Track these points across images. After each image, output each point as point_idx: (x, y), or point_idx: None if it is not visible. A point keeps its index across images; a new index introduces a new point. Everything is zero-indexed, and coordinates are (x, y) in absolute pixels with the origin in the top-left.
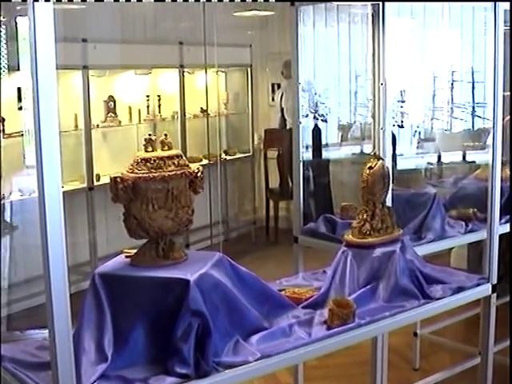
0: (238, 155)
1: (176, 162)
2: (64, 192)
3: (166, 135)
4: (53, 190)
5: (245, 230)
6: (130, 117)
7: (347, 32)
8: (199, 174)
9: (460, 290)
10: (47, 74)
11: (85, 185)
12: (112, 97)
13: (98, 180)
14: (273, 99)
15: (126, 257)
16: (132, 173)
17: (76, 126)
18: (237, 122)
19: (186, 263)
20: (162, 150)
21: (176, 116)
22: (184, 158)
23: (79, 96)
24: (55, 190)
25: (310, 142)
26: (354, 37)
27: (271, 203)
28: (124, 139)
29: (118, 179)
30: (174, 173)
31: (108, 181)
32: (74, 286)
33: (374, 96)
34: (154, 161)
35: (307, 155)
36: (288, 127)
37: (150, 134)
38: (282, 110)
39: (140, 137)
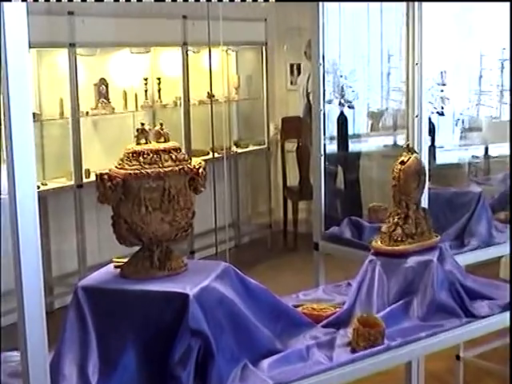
0: (251, 148)
1: (174, 156)
2: (48, 190)
3: (161, 124)
4: (26, 189)
5: (258, 235)
6: (125, 103)
7: (378, 5)
8: (201, 170)
9: (510, 306)
10: (18, 52)
11: (72, 182)
12: (104, 80)
13: (88, 176)
14: (291, 82)
15: (116, 267)
16: (122, 169)
17: (62, 114)
18: (249, 110)
19: (185, 275)
20: (158, 141)
21: (179, 102)
22: (183, 151)
23: (65, 78)
24: (29, 190)
25: (335, 133)
26: (386, 10)
27: (289, 204)
28: (118, 129)
29: (106, 176)
30: (171, 169)
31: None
32: (60, 300)
33: (408, 78)
34: (148, 154)
35: (331, 148)
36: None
37: (142, 124)
38: (307, 94)
39: (137, 126)
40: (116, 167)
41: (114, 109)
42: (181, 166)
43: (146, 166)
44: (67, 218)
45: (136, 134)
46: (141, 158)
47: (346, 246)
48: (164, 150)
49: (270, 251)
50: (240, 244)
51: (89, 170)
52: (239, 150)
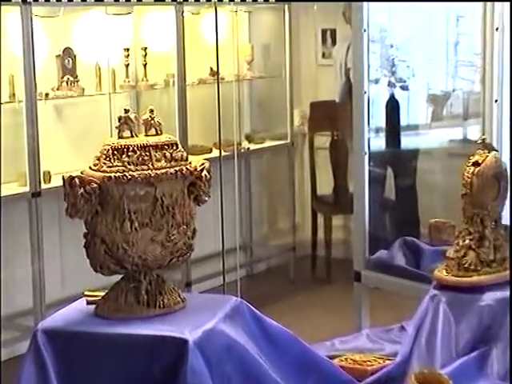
0: (268, 143)
1: (168, 154)
2: None
3: (151, 111)
4: None
5: (278, 261)
6: (99, 82)
7: None
8: (204, 173)
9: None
10: None
11: (27, 188)
12: (70, 50)
13: (49, 181)
14: (324, 55)
15: (89, 303)
16: (98, 171)
17: (13, 96)
18: (267, 92)
19: (182, 314)
20: (147, 134)
21: (171, 82)
22: (181, 147)
23: (17, 48)
24: None
25: (383, 123)
26: None
27: (320, 219)
28: (89, 117)
29: (77, 181)
30: (164, 171)
31: (62, 182)
32: (9, 350)
33: (486, 49)
34: (134, 152)
35: (378, 143)
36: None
37: (126, 110)
38: (346, 71)
39: (115, 113)
40: (91, 168)
41: (83, 90)
42: (178, 168)
43: (131, 167)
44: (19, 237)
45: (118, 123)
46: (124, 156)
47: (398, 276)
48: (155, 146)
49: (294, 283)
50: (253, 273)
51: (49, 172)
52: (253, 147)
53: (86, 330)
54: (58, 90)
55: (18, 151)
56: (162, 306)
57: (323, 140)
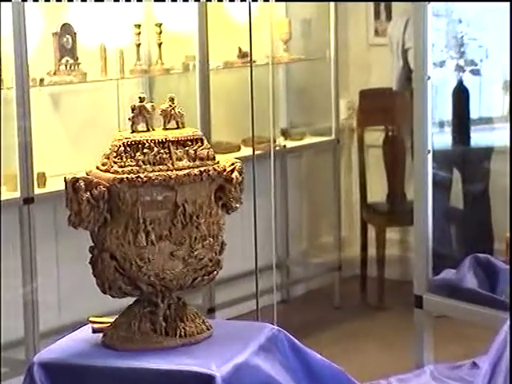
0: (309, 140)
1: (192, 152)
2: None
3: (172, 100)
4: None
5: (320, 283)
6: (105, 65)
7: None
8: (235, 174)
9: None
10: None
11: (17, 193)
12: (69, 27)
13: (43, 185)
14: (377, 32)
15: (95, 330)
16: (108, 171)
17: (0, 81)
18: (307, 77)
19: (208, 344)
20: (166, 128)
21: (191, 65)
22: (207, 143)
23: (6, 24)
24: None
25: (449, 115)
26: None
27: (371, 232)
28: (92, 107)
29: (81, 183)
30: (187, 172)
31: (61, 186)
32: None
33: None
34: (151, 148)
35: (443, 140)
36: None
37: (142, 98)
38: (404, 52)
39: (124, 103)
40: (98, 169)
41: (85, 74)
42: (203, 168)
43: (147, 167)
44: (7, 252)
45: (131, 114)
46: (139, 153)
47: (468, 301)
48: (176, 142)
49: (340, 309)
50: (290, 297)
51: (44, 174)
52: (290, 144)
53: (91, 364)
54: (54, 74)
55: (7, 148)
56: (183, 334)
57: (375, 136)
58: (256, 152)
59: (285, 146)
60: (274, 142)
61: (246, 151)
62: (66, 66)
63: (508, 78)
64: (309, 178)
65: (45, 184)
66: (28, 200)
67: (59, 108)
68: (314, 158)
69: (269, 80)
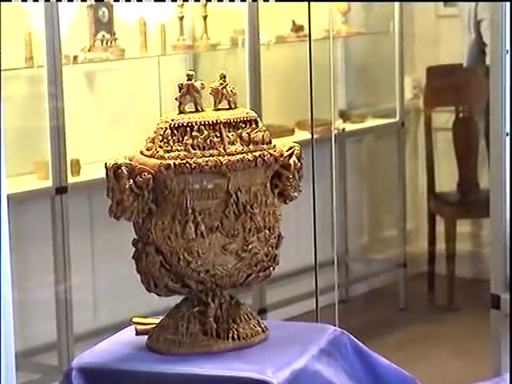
0: (371, 122)
1: (246, 135)
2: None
3: (223, 77)
4: None
5: (383, 281)
6: (145, 41)
7: None
8: (293, 159)
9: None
10: None
11: (49, 182)
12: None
13: (77, 173)
14: (445, 1)
15: (139, 333)
16: (153, 157)
17: (30, 60)
18: (369, 53)
19: (264, 348)
20: (217, 108)
21: (240, 40)
22: (262, 125)
23: None
24: None
25: None
26: None
27: (440, 224)
28: (131, 86)
29: (124, 170)
30: (240, 157)
31: (96, 175)
32: None
33: None
34: (200, 131)
35: None
36: (488, 63)
37: (190, 76)
38: (477, 24)
39: (166, 82)
40: (142, 154)
41: (123, 51)
42: (258, 153)
43: (197, 152)
44: (38, 247)
45: (179, 94)
46: (187, 137)
47: None
48: (228, 124)
49: (405, 310)
50: (349, 297)
51: (78, 161)
52: (349, 127)
53: (135, 369)
54: (89, 51)
55: (38, 133)
56: (236, 337)
57: (444, 118)
58: (310, 136)
59: (344, 129)
60: (333, 124)
61: (301, 135)
62: (101, 41)
63: None
64: (370, 165)
65: (79, 172)
66: (61, 189)
67: (94, 88)
68: (376, 142)
69: (327, 56)
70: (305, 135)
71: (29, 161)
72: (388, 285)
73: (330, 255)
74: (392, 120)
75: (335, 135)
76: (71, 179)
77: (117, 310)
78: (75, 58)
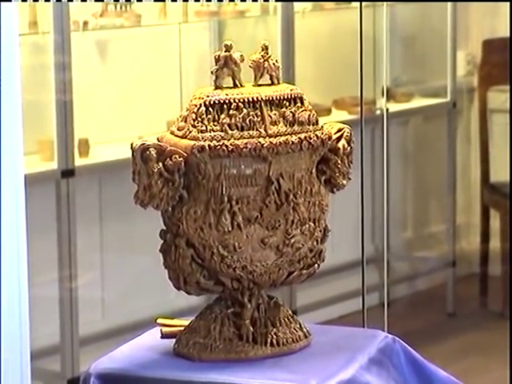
0: (418, 102)
1: (289, 115)
2: None
3: (265, 48)
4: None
5: (430, 282)
6: (164, 6)
7: None
8: (342, 143)
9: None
10: None
11: (54, 164)
12: None
13: (86, 154)
14: None
15: (165, 335)
16: (185, 137)
17: (34, 25)
18: (416, 23)
19: (306, 355)
20: (257, 84)
21: (271, 8)
22: (308, 103)
23: None
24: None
25: None
26: None
27: (495, 219)
28: (148, 57)
29: (153, 152)
30: (284, 139)
31: (110, 156)
32: None
33: None
34: (239, 109)
35: None
36: None
37: (228, 46)
38: None
39: (187, 52)
40: (173, 134)
41: (139, 17)
42: (303, 135)
43: (235, 133)
44: (42, 236)
45: (215, 67)
46: (224, 116)
47: None
48: (270, 101)
49: (455, 316)
50: (391, 299)
51: (87, 140)
52: (394, 107)
53: (161, 376)
54: (101, 16)
55: (42, 108)
56: (275, 342)
57: (502, 98)
58: (351, 117)
59: (387, 109)
60: (375, 104)
61: (338, 115)
62: (115, 6)
63: None
64: (416, 151)
65: (88, 153)
66: (67, 172)
67: (107, 58)
68: (424, 124)
69: (370, 26)
70: (343, 115)
71: (31, 139)
72: (435, 286)
73: (368, 252)
74: (442, 100)
75: (377, 116)
76: (79, 161)
77: (129, 310)
78: (85, 23)
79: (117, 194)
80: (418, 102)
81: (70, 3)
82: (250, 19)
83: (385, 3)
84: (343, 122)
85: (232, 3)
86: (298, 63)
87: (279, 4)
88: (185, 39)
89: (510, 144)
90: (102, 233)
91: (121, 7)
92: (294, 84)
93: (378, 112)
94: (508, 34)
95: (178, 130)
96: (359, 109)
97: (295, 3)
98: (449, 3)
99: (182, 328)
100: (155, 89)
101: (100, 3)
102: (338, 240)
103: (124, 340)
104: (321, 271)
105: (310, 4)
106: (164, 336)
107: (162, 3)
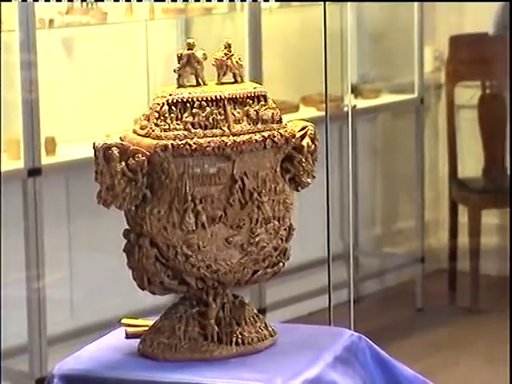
0: (385, 98)
1: (253, 113)
2: None
3: (228, 46)
4: None
5: (398, 278)
6: (130, 4)
7: None
8: (307, 141)
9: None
10: None
11: (20, 163)
12: None
13: (53, 152)
14: None
15: (130, 335)
16: (148, 136)
17: None
18: (384, 19)
19: (272, 354)
20: (220, 82)
21: (238, 4)
22: (272, 102)
23: None
24: None
25: None
26: None
27: (463, 215)
28: (115, 55)
29: (115, 151)
30: (247, 137)
31: (77, 154)
32: None
33: None
34: (202, 108)
35: None
36: None
37: (191, 44)
38: None
39: (154, 50)
40: (135, 133)
41: (106, 14)
42: (267, 133)
43: (198, 131)
44: (8, 236)
45: (178, 65)
46: (187, 114)
47: None
48: (234, 100)
49: (423, 311)
50: (359, 296)
51: (54, 139)
52: (361, 104)
53: (126, 377)
54: (67, 14)
55: (8, 106)
56: (240, 342)
57: (469, 94)
58: (319, 113)
59: (355, 105)
60: (342, 100)
61: (306, 112)
62: (81, 3)
63: None
64: (384, 147)
65: (54, 151)
66: (34, 171)
67: (73, 56)
68: (392, 121)
69: (338, 22)
70: (311, 112)
71: None
72: (404, 282)
73: (337, 249)
74: (410, 96)
75: (346, 113)
76: (46, 159)
77: (97, 309)
78: (51, 21)
79: (84, 192)
80: (385, 99)
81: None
82: (218, 16)
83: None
84: (311, 119)
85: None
86: (266, 60)
87: (246, 1)
88: (152, 37)
89: (510, 141)
90: (70, 232)
91: (87, 5)
92: (261, 81)
93: (346, 109)
94: (474, 30)
95: (141, 128)
96: (331, 106)
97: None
98: (415, 4)
99: (147, 328)
100: (122, 86)
101: (66, 1)
102: (309, 237)
103: (93, 339)
104: (291, 268)
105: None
106: (128, 336)
107: (124, 5)
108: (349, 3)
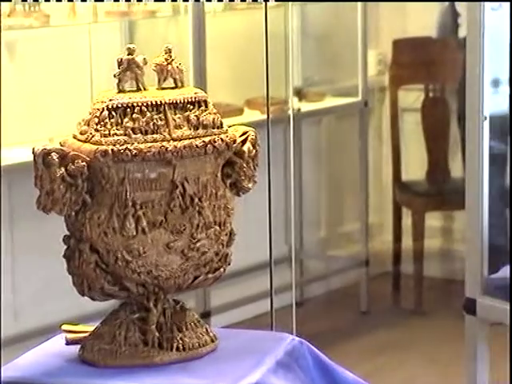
0: (330, 102)
1: (194, 118)
2: None
3: (168, 51)
4: None
5: (343, 281)
6: (73, 6)
7: None
8: (248, 146)
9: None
10: None
11: None
12: None
13: None
14: None
15: (70, 342)
16: (88, 141)
17: None
18: (328, 22)
19: (213, 360)
20: (160, 87)
21: (183, 7)
22: (212, 107)
23: None
24: None
25: (506, 71)
26: None
27: (407, 217)
28: (57, 58)
29: (55, 156)
30: (188, 143)
31: (19, 158)
32: None
33: None
34: (142, 113)
35: (496, 102)
36: (463, 35)
37: (131, 49)
38: None
39: (98, 53)
40: (75, 138)
41: (48, 17)
42: (208, 138)
43: (138, 137)
44: None
45: (118, 70)
46: (127, 119)
47: None
48: (174, 105)
49: (368, 314)
50: (304, 299)
51: None
52: (306, 107)
53: (66, 383)
54: (9, 16)
55: None
56: (181, 347)
57: (412, 97)
58: (263, 116)
59: (299, 109)
60: (287, 103)
61: (251, 115)
62: (23, 6)
63: None
64: (328, 150)
65: None
66: None
67: (15, 59)
68: (336, 124)
69: (281, 25)
70: (255, 115)
71: None
72: (348, 285)
73: (281, 252)
74: (354, 99)
75: (289, 116)
76: None
77: (42, 314)
78: None
79: (27, 196)
80: (330, 102)
81: None
82: (162, 19)
83: (290, 3)
84: (255, 122)
85: (142, 3)
86: (210, 63)
87: (190, 4)
88: (95, 40)
89: (426, 141)
90: (13, 236)
91: (29, 7)
92: (206, 84)
93: (290, 112)
94: (418, 33)
95: (81, 134)
96: (272, 109)
97: (206, 3)
98: (359, 3)
99: (87, 334)
100: (66, 90)
101: (8, 3)
102: (254, 241)
103: (37, 344)
104: (236, 271)
105: (221, 4)
106: (69, 342)
107: (70, 3)
108: (290, 3)
